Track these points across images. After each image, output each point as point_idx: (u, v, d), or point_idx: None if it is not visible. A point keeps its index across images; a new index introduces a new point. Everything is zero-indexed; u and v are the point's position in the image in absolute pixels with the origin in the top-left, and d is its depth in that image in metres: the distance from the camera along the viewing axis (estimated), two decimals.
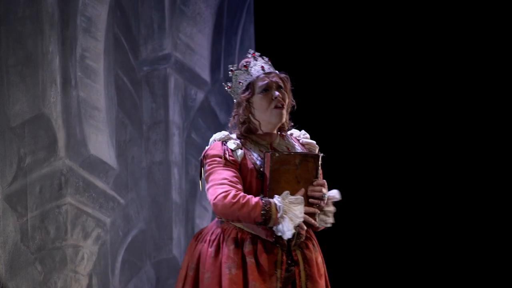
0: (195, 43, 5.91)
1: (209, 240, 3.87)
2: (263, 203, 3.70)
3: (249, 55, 3.94)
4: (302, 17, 6.20)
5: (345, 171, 6.23)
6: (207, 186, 3.83)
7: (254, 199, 3.72)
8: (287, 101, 3.90)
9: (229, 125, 3.96)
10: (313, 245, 3.93)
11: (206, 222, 5.96)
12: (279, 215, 3.69)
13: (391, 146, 6.23)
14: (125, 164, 5.41)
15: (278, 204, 3.71)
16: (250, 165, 3.83)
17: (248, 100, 3.86)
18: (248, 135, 3.91)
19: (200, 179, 3.95)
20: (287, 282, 3.83)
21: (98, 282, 5.17)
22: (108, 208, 5.25)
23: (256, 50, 6.08)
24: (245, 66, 3.89)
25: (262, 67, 3.87)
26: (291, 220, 3.70)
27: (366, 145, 6.27)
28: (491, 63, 6.04)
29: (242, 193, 3.74)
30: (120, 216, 5.35)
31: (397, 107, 6.24)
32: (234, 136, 3.91)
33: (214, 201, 3.73)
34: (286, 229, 3.69)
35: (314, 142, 4.07)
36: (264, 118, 3.86)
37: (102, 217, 5.22)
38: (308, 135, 4.08)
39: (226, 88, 3.94)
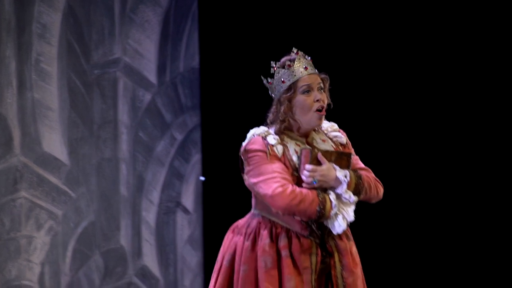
0: (143, 48, 5.88)
1: (245, 234, 3.77)
2: (319, 200, 3.62)
3: (293, 54, 3.80)
4: (243, 25, 6.10)
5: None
6: (255, 180, 3.68)
7: (311, 195, 3.62)
8: (326, 101, 3.78)
9: (268, 121, 3.82)
10: (347, 235, 3.83)
11: (152, 214, 5.92)
12: (332, 213, 3.62)
13: (390, 145, 6.12)
14: (77, 161, 5.44)
15: (333, 202, 3.63)
16: (286, 161, 3.71)
17: (290, 100, 3.73)
18: (286, 131, 3.77)
19: (242, 173, 3.79)
20: (322, 274, 3.76)
21: (50, 270, 5.22)
22: (60, 201, 5.31)
23: (200, 56, 6.19)
24: (288, 65, 3.75)
25: (306, 67, 3.74)
26: (344, 218, 3.64)
27: (365, 144, 6.09)
28: (493, 63, 5.94)
29: (297, 188, 3.63)
30: (72, 209, 5.39)
31: (390, 106, 6.11)
32: (272, 131, 3.77)
33: (272, 194, 3.59)
34: (337, 225, 3.63)
35: (339, 133, 3.92)
36: (305, 119, 3.75)
37: (54, 210, 5.27)
38: (336, 126, 3.93)
39: (265, 83, 3.84)
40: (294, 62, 3.75)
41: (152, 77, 5.96)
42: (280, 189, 3.59)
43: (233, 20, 6.16)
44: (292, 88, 3.73)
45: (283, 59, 3.80)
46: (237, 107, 6.12)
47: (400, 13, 6.06)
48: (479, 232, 6.01)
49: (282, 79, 3.76)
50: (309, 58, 3.81)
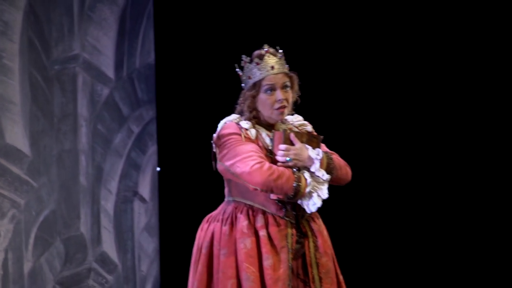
0: (101, 45, 5.87)
1: (222, 219, 3.75)
2: (295, 177, 3.61)
3: (263, 51, 3.75)
4: (196, 23, 6.15)
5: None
6: (231, 162, 3.65)
7: (287, 172, 3.61)
8: (290, 99, 3.76)
9: (236, 111, 3.81)
10: (318, 218, 3.84)
11: (110, 203, 5.94)
12: (307, 190, 3.62)
13: (381, 144, 6.12)
14: (38, 152, 5.43)
15: (308, 179, 3.63)
16: (260, 144, 3.71)
17: (253, 97, 3.73)
18: (254, 120, 3.76)
19: (213, 160, 3.77)
20: (298, 254, 3.75)
21: (13, 257, 5.19)
22: (23, 191, 5.30)
23: (155, 52, 6.15)
24: (257, 62, 3.72)
25: (272, 66, 3.71)
26: (319, 196, 3.64)
27: (354, 144, 6.07)
28: (489, 63, 5.92)
29: (274, 165, 3.62)
30: (33, 198, 5.39)
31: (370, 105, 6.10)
32: (242, 118, 3.77)
33: (249, 171, 3.58)
34: (312, 204, 3.63)
35: (306, 122, 3.93)
36: (266, 115, 3.75)
37: (17, 199, 5.26)
38: (300, 117, 3.93)
39: (238, 73, 3.80)
40: (262, 60, 3.72)
41: (109, 72, 5.95)
42: (257, 165, 3.57)
43: (186, 19, 6.17)
44: (256, 85, 3.72)
45: (254, 54, 3.76)
46: (191, 101, 6.15)
47: (375, 6, 6.08)
48: (475, 231, 6.02)
49: (249, 75, 3.75)
50: (281, 54, 3.76)
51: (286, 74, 3.75)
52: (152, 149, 6.27)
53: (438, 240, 6.06)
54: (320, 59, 6.08)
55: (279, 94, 3.72)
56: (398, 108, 6.10)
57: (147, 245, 6.20)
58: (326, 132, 3.95)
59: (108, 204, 5.96)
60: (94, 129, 5.88)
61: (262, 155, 3.66)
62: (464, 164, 6.03)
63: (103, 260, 5.91)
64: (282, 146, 3.66)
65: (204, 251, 3.75)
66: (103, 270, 5.90)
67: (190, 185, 6.21)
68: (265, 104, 3.73)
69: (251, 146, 3.66)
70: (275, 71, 3.72)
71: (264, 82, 3.72)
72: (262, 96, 3.73)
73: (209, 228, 3.79)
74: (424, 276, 6.10)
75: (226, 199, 3.84)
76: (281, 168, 3.62)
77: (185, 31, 6.19)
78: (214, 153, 3.77)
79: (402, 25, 6.05)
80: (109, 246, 5.96)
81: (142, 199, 6.21)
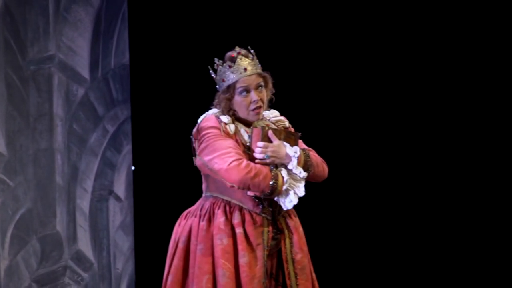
0: (76, 46, 5.88)
1: (200, 215, 3.74)
2: (272, 174, 3.61)
3: (235, 53, 3.74)
4: (170, 24, 6.14)
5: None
6: (209, 157, 3.64)
7: (265, 170, 3.60)
8: (265, 98, 3.76)
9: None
10: (295, 215, 3.85)
11: (86, 202, 5.93)
12: (284, 187, 3.61)
13: (358, 139, 6.08)
14: (14, 151, 5.45)
15: (285, 177, 3.63)
16: (238, 139, 3.70)
17: (228, 99, 3.72)
18: (233, 116, 3.76)
19: (194, 154, 3.75)
20: (274, 251, 3.75)
21: None
22: None
23: (130, 53, 6.10)
24: (229, 65, 3.70)
25: (245, 68, 3.70)
26: (295, 194, 3.63)
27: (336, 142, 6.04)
28: (482, 63, 5.88)
29: (251, 163, 3.61)
30: (10, 197, 5.42)
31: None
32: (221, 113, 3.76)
33: (227, 168, 3.56)
34: (288, 201, 3.63)
35: (283, 117, 3.93)
36: (243, 116, 3.75)
37: None
38: (277, 112, 3.93)
39: (212, 75, 3.79)
40: (234, 63, 3.71)
41: (85, 72, 5.95)
42: (235, 163, 3.56)
43: (160, 19, 6.18)
44: (230, 88, 3.71)
45: (226, 57, 3.75)
46: (165, 101, 6.17)
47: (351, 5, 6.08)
48: (470, 230, 5.99)
49: (222, 78, 3.73)
50: (252, 55, 3.74)
51: (259, 74, 3.74)
52: (127, 148, 6.24)
53: (416, 236, 6.07)
54: (294, 55, 6.10)
55: (253, 96, 3.71)
56: (374, 103, 6.09)
57: (122, 243, 6.19)
58: (302, 128, 3.95)
59: (83, 202, 5.96)
60: (69, 129, 5.87)
61: (240, 151, 3.65)
62: (437, 156, 6.02)
63: (79, 258, 5.90)
64: (260, 143, 3.65)
65: (181, 245, 3.75)
66: (79, 268, 5.89)
67: (165, 184, 6.22)
68: (241, 105, 3.73)
69: (229, 142, 3.64)
70: (248, 72, 3.71)
71: (238, 85, 3.71)
72: (237, 98, 3.72)
73: (186, 223, 3.78)
74: (401, 273, 6.10)
75: (204, 194, 3.84)
76: (259, 166, 3.62)
77: (159, 31, 6.20)
78: (194, 148, 3.76)
79: (382, 19, 6.06)
80: (84, 244, 5.94)
81: (117, 198, 6.19)
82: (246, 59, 3.73)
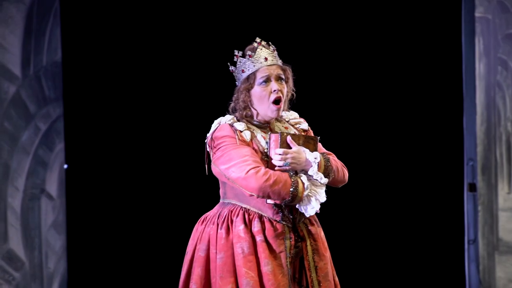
0: (7, 43, 5.87)
1: (218, 223, 3.66)
2: (292, 181, 3.54)
3: (256, 44, 3.69)
4: (102, 21, 6.15)
5: None
6: (226, 166, 3.56)
7: (284, 176, 3.53)
8: (285, 92, 3.69)
9: (230, 109, 3.74)
10: (316, 220, 3.78)
11: (17, 200, 5.94)
12: (305, 194, 3.55)
13: (376, 143, 6.15)
14: None
15: (306, 183, 3.56)
16: (255, 146, 3.64)
17: (248, 90, 3.66)
18: (249, 119, 3.70)
19: (206, 162, 3.69)
20: (296, 258, 3.69)
21: None
22: None
23: (62, 50, 6.15)
24: (249, 55, 3.65)
25: (266, 58, 3.65)
26: (317, 200, 3.57)
27: None
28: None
29: (270, 170, 3.54)
30: None
31: None
32: (236, 119, 3.69)
33: (245, 176, 3.49)
34: (310, 207, 3.57)
35: (302, 119, 3.87)
36: (261, 110, 3.68)
37: None
38: (296, 114, 3.86)
39: (231, 69, 3.73)
40: (255, 53, 3.66)
41: (16, 70, 5.94)
42: (253, 171, 3.49)
43: (93, 16, 6.19)
44: (250, 78, 3.65)
45: (246, 48, 3.70)
46: (98, 99, 6.18)
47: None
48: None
49: (242, 69, 3.67)
50: (273, 48, 3.71)
51: (280, 66, 3.70)
52: (60, 147, 6.23)
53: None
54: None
55: (274, 85, 3.66)
56: (390, 107, 6.19)
57: (55, 242, 6.18)
58: (321, 131, 3.96)
59: (15, 201, 5.95)
60: (1, 127, 5.88)
61: (258, 159, 3.59)
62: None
63: (10, 257, 5.89)
64: (279, 150, 3.58)
65: (201, 254, 3.68)
66: (10, 268, 5.89)
67: (98, 182, 6.24)
68: (261, 96, 3.66)
69: (246, 150, 3.58)
70: (268, 62, 3.67)
71: (259, 74, 3.66)
72: (257, 88, 3.66)
73: (204, 230, 3.70)
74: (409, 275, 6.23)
75: (221, 201, 3.76)
76: (277, 173, 3.55)
77: (92, 28, 6.20)
78: (208, 154, 3.70)
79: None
80: (16, 243, 5.94)
81: (50, 196, 6.18)
82: (267, 50, 3.69)
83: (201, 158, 3.75)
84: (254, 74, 3.66)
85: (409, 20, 6.23)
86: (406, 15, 6.22)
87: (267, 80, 3.66)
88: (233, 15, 6.16)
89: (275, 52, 3.71)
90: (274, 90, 3.64)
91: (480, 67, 6.23)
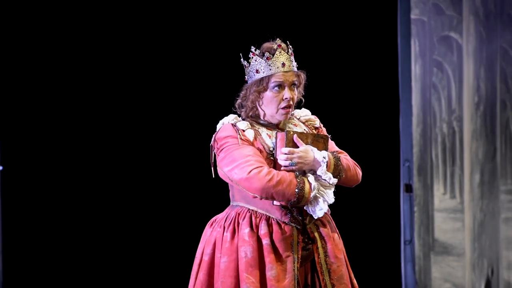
0: None
1: (224, 226, 3.57)
2: (297, 181, 3.44)
3: (275, 45, 3.59)
4: (28, 22, 6.10)
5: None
6: (229, 167, 3.47)
7: (288, 177, 3.42)
8: (296, 98, 3.60)
9: (236, 104, 3.65)
10: (328, 221, 3.65)
11: None
12: (312, 195, 3.44)
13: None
14: None
15: (313, 183, 3.45)
16: (259, 145, 3.54)
17: (259, 92, 3.57)
18: (255, 118, 3.63)
19: (212, 164, 3.60)
20: (306, 261, 3.58)
21: None
22: None
23: None
24: (267, 57, 3.55)
25: (283, 64, 3.55)
26: (325, 201, 3.47)
27: None
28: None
29: (274, 170, 3.45)
30: None
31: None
32: (240, 118, 3.63)
33: (247, 177, 3.40)
34: (318, 209, 3.47)
35: (313, 116, 3.77)
36: (270, 112, 3.59)
37: None
38: (308, 112, 3.77)
39: (243, 63, 3.64)
40: (273, 55, 3.56)
41: None
42: (255, 171, 3.40)
43: (15, 17, 6.14)
44: (264, 81, 3.56)
45: (264, 47, 3.60)
46: (32, 100, 6.15)
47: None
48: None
49: (257, 69, 3.58)
50: (291, 50, 3.61)
51: (294, 73, 3.60)
52: None
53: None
54: None
55: (286, 93, 3.56)
56: (328, 108, 6.05)
57: None
58: (335, 129, 3.90)
59: None
60: None
61: (261, 158, 3.49)
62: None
63: None
64: (285, 149, 3.47)
65: (205, 258, 3.60)
66: None
67: (34, 184, 6.22)
68: (271, 101, 3.57)
69: (248, 150, 3.49)
70: (285, 68, 3.57)
71: (273, 79, 3.56)
72: (268, 93, 3.57)
73: (212, 233, 3.62)
74: None
75: (230, 203, 3.67)
76: (282, 173, 3.44)
77: (18, 29, 6.15)
78: (214, 155, 3.62)
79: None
80: None
81: None
82: (285, 54, 3.58)
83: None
84: (268, 78, 3.56)
85: (345, 21, 6.30)
86: (342, 16, 6.30)
87: (280, 86, 3.57)
88: (235, 14, 6.18)
89: (292, 56, 3.62)
90: (286, 98, 3.56)
91: (416, 69, 6.30)
